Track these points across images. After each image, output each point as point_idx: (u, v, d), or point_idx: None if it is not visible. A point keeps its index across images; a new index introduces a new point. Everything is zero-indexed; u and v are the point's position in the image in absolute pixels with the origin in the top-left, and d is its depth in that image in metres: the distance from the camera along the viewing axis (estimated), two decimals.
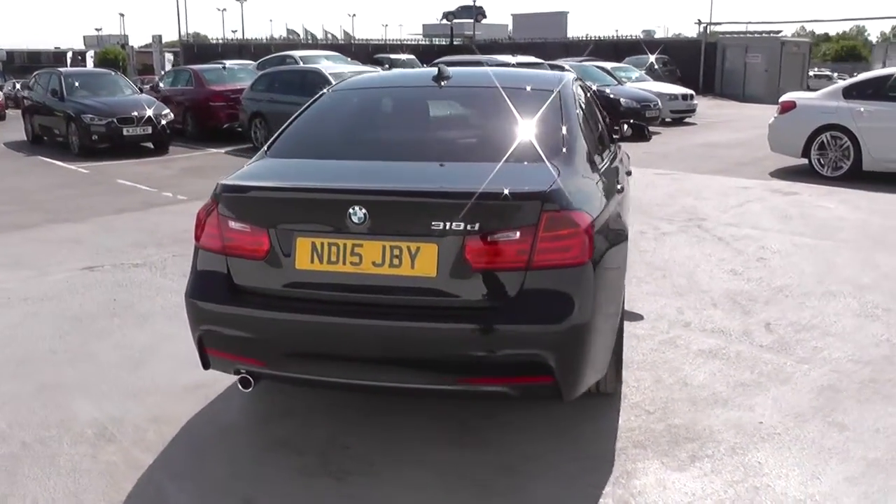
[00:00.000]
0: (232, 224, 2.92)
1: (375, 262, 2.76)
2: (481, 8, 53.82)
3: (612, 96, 16.64)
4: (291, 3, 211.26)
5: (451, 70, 3.77)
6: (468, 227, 2.67)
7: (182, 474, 3.01)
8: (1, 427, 3.40)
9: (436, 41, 43.73)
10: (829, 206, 7.83)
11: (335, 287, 2.84)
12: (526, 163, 3.06)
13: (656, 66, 28.72)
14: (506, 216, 2.70)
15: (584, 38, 37.63)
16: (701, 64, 31.76)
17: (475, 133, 3.45)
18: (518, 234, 2.68)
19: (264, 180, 3.06)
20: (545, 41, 37.45)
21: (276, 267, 2.86)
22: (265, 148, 3.48)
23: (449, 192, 2.79)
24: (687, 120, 18.66)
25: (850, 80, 9.68)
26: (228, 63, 15.67)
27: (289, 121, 3.66)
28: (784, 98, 10.19)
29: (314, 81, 11.57)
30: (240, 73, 14.69)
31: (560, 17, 61.67)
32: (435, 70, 3.85)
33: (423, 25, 73.66)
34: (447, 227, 2.68)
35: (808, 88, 32.61)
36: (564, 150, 3.13)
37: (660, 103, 17.17)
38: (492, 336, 2.69)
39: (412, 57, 29.61)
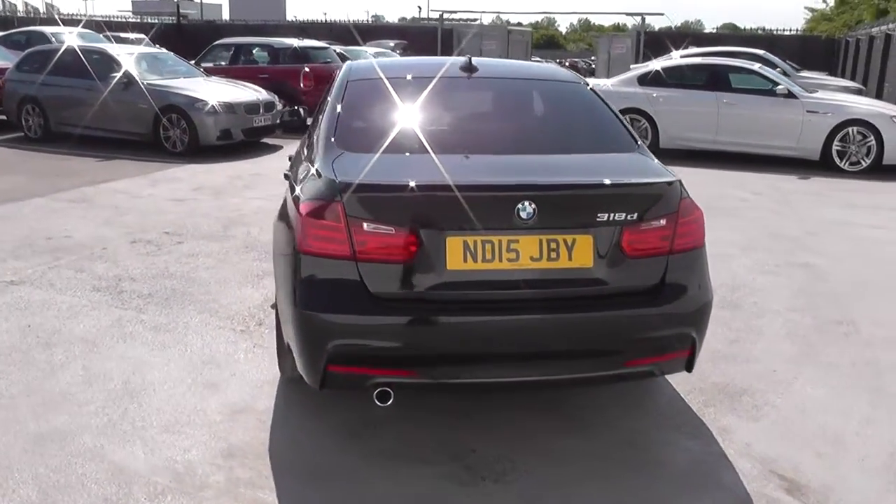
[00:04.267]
0: (368, 227, 2.67)
1: (533, 257, 2.73)
2: None
3: None
4: None
5: (475, 60, 3.74)
6: (627, 217, 2.77)
7: None
8: (31, 497, 2.74)
9: (162, 20, 40.18)
10: None
11: (490, 285, 2.75)
12: (625, 153, 3.21)
13: (397, 52, 29.64)
14: (658, 205, 2.85)
15: (324, 21, 37.30)
16: (438, 50, 33.39)
17: (551, 125, 3.49)
18: (664, 221, 2.85)
19: (400, 178, 2.81)
20: (279, 23, 36.57)
21: (424, 270, 2.69)
22: (332, 141, 3.15)
23: (618, 184, 2.85)
24: None
25: (641, 70, 11.01)
26: None
27: (329, 112, 3.36)
28: None
29: (101, 63, 10.26)
30: None
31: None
32: (451, 59, 3.81)
33: (133, 2, 67.83)
34: (609, 218, 2.75)
35: None
36: (639, 142, 3.34)
37: None
38: (654, 318, 2.83)
39: (142, 36, 27.14)
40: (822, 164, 9.76)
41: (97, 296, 4.77)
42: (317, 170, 2.97)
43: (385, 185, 2.73)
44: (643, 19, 29.45)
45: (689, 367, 3.03)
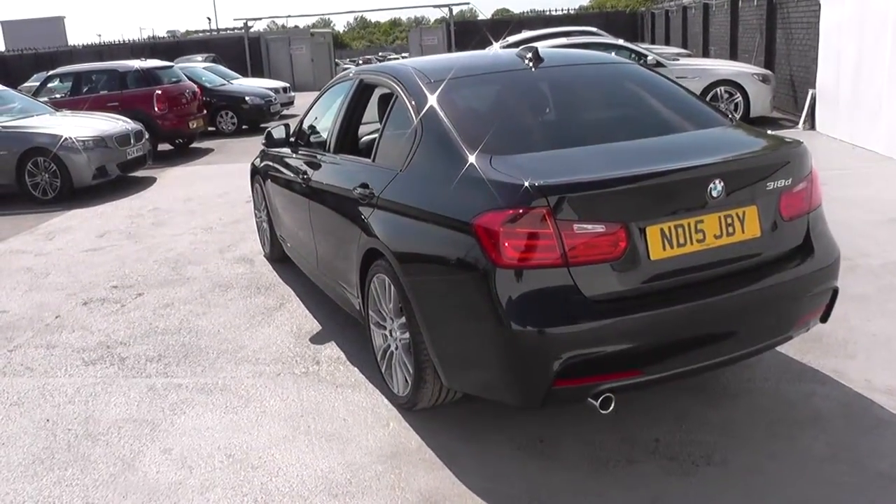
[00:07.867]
0: (578, 227, 2.53)
1: (716, 235, 2.74)
2: None
3: (235, 94, 16.13)
4: None
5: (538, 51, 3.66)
6: (784, 183, 2.87)
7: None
8: None
9: None
10: None
11: (687, 269, 2.72)
12: (727, 127, 3.29)
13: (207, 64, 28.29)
14: (803, 167, 2.98)
15: (118, 42, 34.50)
16: (247, 59, 32.24)
17: (648, 106, 3.46)
18: (804, 183, 2.98)
19: (591, 173, 2.67)
20: (74, 49, 33.41)
21: (632, 265, 2.61)
22: (462, 144, 2.92)
23: (782, 153, 2.94)
24: (288, 112, 18.73)
25: None
26: None
27: (430, 116, 3.15)
28: None
29: None
30: None
31: (57, 23, 55.65)
32: (503, 52, 3.73)
33: None
34: (773, 186, 2.83)
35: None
36: (729, 115, 3.45)
37: (274, 98, 17.22)
38: (814, 275, 2.94)
39: None
40: None
41: (98, 370, 4.14)
42: (476, 176, 2.76)
43: (591, 182, 2.60)
44: (451, 10, 30.33)
45: (824, 318, 3.17)
